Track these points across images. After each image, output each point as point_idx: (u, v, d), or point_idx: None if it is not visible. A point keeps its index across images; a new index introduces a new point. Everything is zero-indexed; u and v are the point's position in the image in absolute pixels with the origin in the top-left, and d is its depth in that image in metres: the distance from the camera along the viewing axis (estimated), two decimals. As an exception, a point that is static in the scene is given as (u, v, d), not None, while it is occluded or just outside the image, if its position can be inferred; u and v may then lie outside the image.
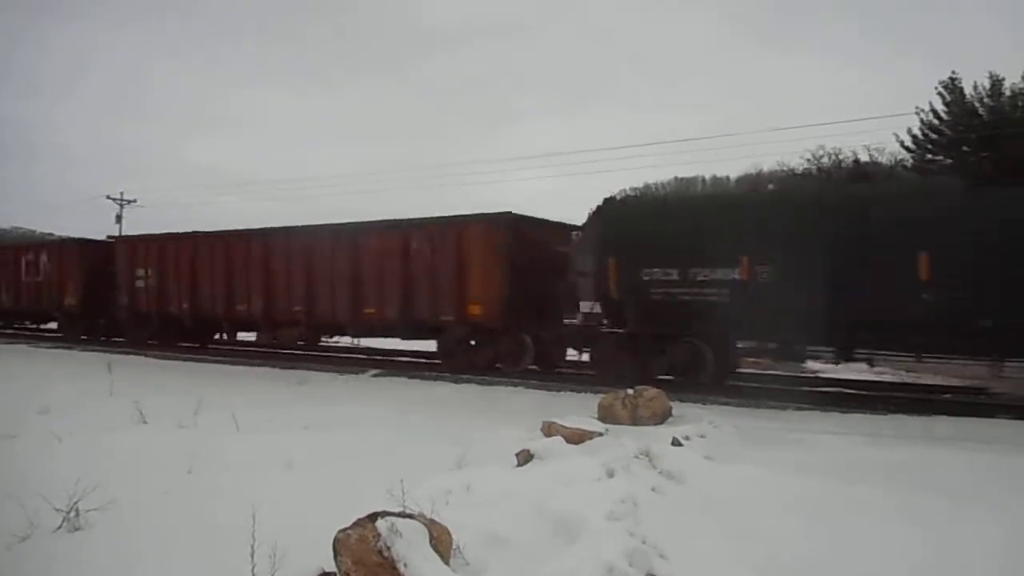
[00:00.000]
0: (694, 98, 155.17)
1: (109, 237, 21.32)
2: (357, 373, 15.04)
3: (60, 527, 5.29)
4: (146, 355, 18.57)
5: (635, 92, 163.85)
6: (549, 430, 7.51)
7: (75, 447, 7.68)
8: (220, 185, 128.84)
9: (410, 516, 4.03)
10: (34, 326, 26.87)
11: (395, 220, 15.58)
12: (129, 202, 51.16)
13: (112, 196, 50.79)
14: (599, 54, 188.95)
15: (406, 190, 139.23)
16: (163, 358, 18.11)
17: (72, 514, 5.32)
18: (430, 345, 16.36)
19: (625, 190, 70.22)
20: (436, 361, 15.81)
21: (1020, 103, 27.59)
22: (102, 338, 21.96)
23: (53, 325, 25.29)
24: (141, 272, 20.04)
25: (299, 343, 19.89)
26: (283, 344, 20.46)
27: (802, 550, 4.58)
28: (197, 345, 20.42)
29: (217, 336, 21.21)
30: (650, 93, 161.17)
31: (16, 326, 26.73)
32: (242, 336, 21.88)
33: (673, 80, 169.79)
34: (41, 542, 5.15)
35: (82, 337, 22.09)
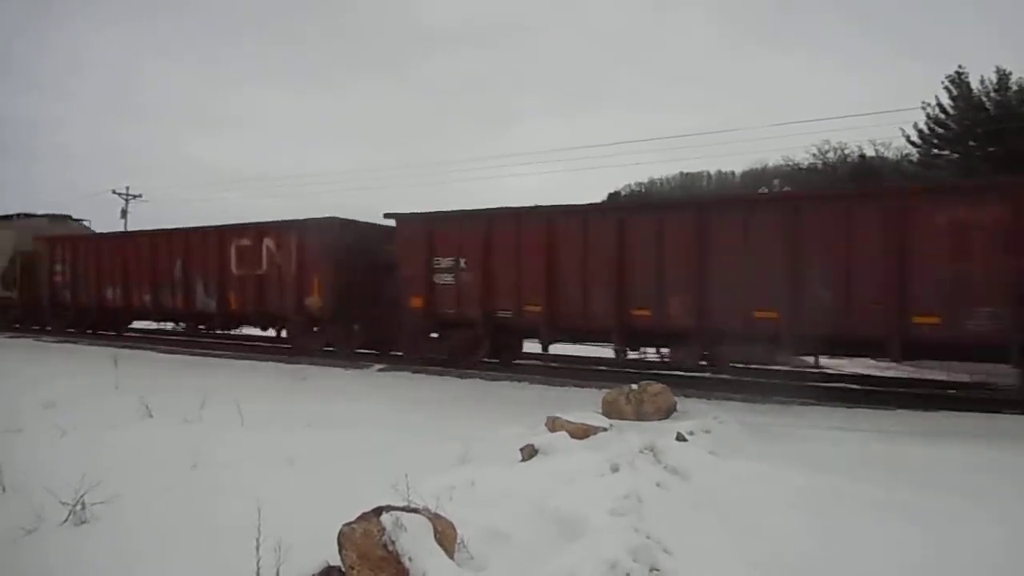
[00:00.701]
0: (694, 98, 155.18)
1: (387, 215, 15.36)
2: (361, 368, 15.06)
3: (66, 521, 5.31)
4: (152, 350, 18.61)
5: (635, 92, 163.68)
6: (553, 425, 7.52)
7: (80, 441, 7.72)
8: (221, 182, 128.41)
9: (415, 510, 4.02)
10: (222, 332, 19.93)
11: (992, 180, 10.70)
12: (134, 197, 51.35)
13: (118, 191, 50.96)
14: (599, 54, 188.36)
15: (405, 187, 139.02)
16: (167, 352, 18.14)
17: (78, 508, 5.34)
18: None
19: (630, 185, 70.38)
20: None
21: (1027, 97, 27.53)
22: (359, 351, 16.40)
23: (250, 330, 19.52)
24: (447, 262, 14.30)
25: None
26: (722, 363, 12.47)
27: (805, 547, 4.57)
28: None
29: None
30: (650, 93, 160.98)
31: (205, 333, 20.49)
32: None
33: (673, 80, 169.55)
34: (47, 535, 5.18)
35: (326, 349, 16.45)
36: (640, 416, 8.93)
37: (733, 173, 70.17)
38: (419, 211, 15.01)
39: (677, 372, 13.07)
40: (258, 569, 3.93)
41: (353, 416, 9.45)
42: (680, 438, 7.06)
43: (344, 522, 3.87)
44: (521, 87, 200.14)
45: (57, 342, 20.90)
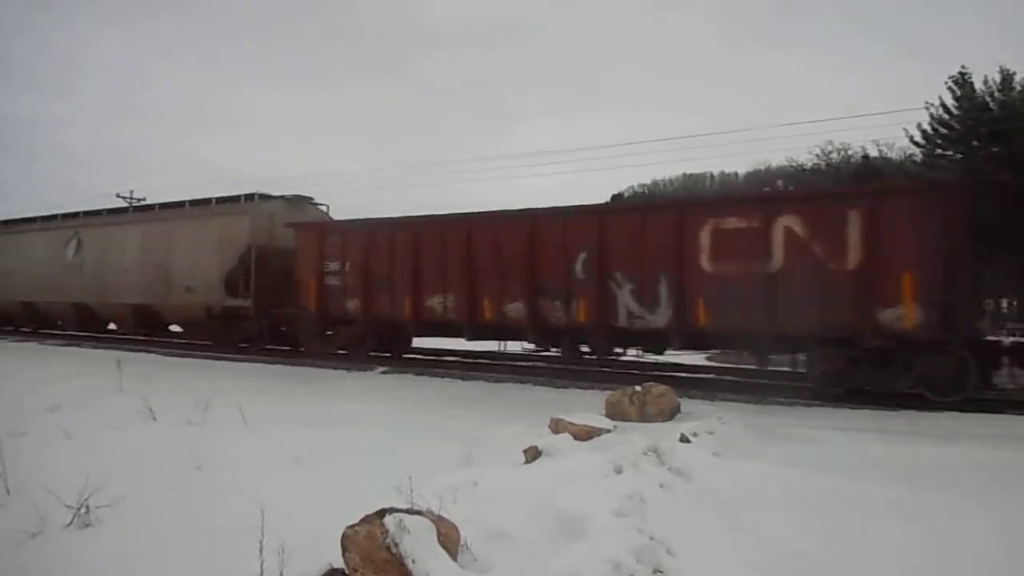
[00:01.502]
0: (694, 98, 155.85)
1: None
2: (365, 371, 15.07)
3: (71, 524, 5.33)
4: (154, 352, 18.62)
5: (635, 92, 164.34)
6: (557, 427, 7.52)
7: (85, 444, 7.75)
8: (221, 182, 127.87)
9: (418, 512, 4.03)
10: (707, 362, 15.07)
11: None
12: (139, 200, 51.38)
13: (122, 194, 50.99)
14: (599, 54, 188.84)
15: (406, 187, 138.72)
16: (170, 355, 18.15)
17: (83, 511, 5.36)
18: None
19: (633, 186, 70.34)
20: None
21: (1031, 97, 27.45)
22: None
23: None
24: None
25: None
26: None
27: (807, 547, 4.58)
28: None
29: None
30: (650, 93, 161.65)
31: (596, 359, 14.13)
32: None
33: (673, 80, 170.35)
34: (52, 538, 5.20)
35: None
36: (644, 417, 8.92)
37: (736, 174, 70.15)
38: None
39: (680, 373, 13.05)
40: (262, 571, 3.93)
41: (356, 417, 9.48)
42: (684, 439, 7.06)
43: (347, 524, 3.88)
44: (521, 87, 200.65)
45: (60, 345, 20.83)
